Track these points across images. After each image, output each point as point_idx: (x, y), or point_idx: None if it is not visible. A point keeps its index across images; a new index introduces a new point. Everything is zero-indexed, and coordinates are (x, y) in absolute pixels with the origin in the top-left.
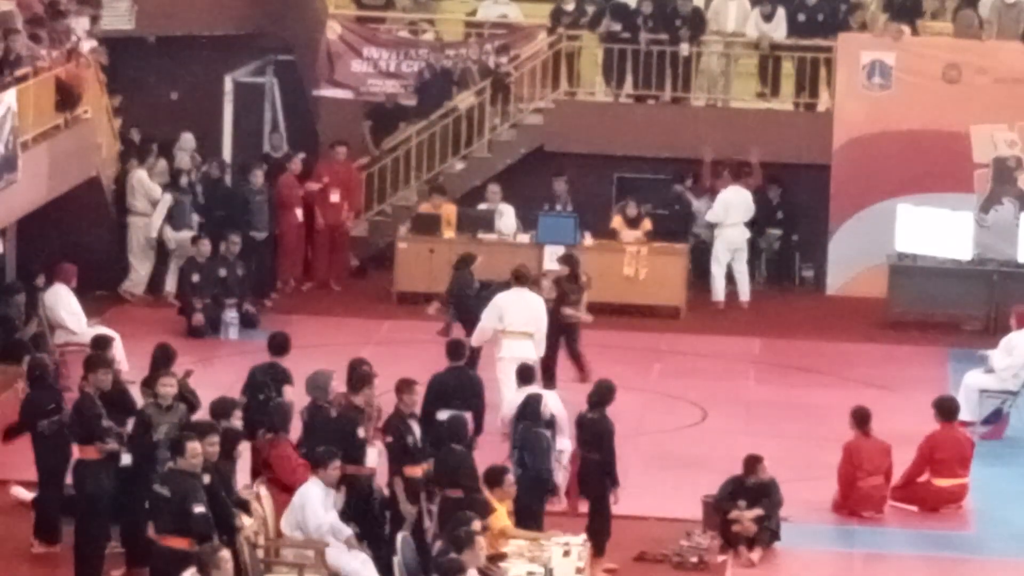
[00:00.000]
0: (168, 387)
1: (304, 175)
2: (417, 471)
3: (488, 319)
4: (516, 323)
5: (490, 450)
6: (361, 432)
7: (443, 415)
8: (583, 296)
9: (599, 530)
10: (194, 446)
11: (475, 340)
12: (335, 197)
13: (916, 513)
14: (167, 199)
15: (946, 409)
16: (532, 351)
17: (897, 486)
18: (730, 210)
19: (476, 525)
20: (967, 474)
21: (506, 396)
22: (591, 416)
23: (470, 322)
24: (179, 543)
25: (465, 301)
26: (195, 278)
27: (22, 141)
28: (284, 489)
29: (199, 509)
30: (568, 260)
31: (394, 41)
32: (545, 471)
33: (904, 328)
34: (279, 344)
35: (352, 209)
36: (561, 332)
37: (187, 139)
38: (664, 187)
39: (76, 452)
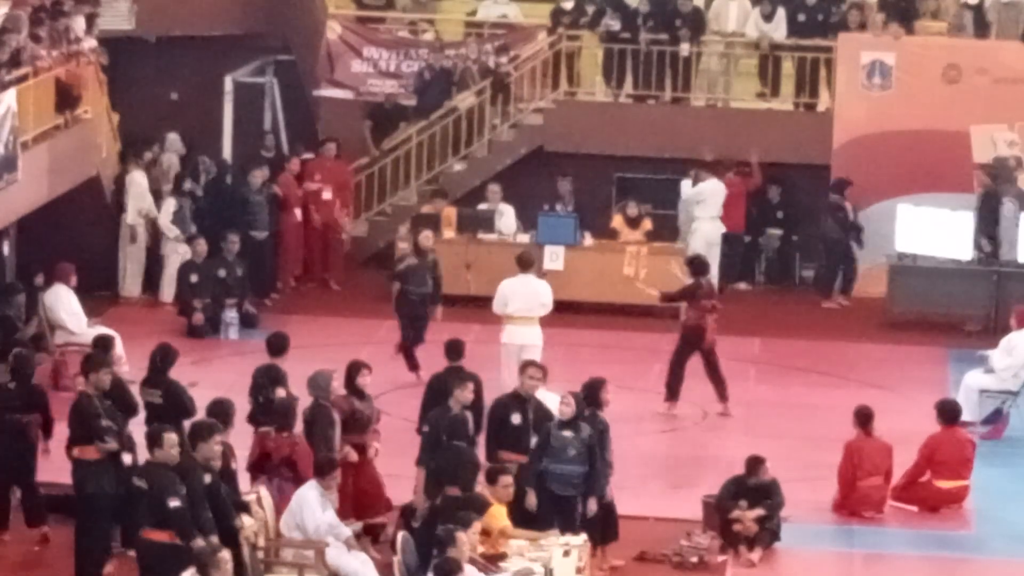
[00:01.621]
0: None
1: (302, 175)
2: None
3: (495, 305)
4: (520, 308)
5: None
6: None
7: None
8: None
9: (599, 529)
10: (171, 437)
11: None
12: (327, 195)
13: (916, 513)
14: (171, 203)
15: (948, 412)
16: (535, 337)
17: (898, 487)
18: (708, 200)
19: (476, 526)
20: (969, 476)
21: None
22: (584, 415)
23: None
24: (160, 536)
25: None
26: (194, 278)
27: (22, 141)
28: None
29: (174, 503)
30: (696, 265)
31: (394, 41)
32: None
33: (904, 328)
34: (278, 344)
35: (344, 206)
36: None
37: (172, 139)
38: (664, 187)
39: (76, 452)
